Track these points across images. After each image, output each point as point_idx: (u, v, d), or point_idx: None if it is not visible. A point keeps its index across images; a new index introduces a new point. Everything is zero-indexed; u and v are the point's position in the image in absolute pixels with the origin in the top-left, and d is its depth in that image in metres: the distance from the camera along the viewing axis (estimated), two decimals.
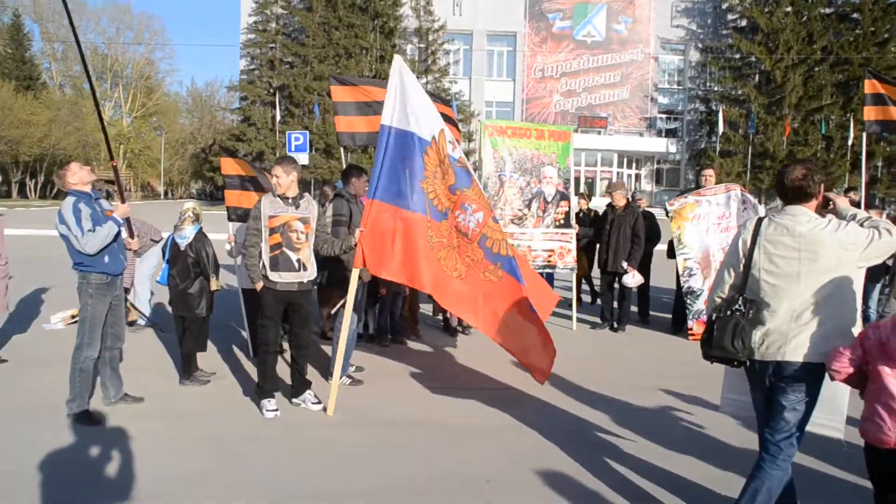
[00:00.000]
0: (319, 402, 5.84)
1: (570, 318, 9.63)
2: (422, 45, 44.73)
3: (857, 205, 4.11)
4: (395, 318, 8.40)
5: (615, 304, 9.66)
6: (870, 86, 8.96)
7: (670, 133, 48.04)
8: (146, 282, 8.58)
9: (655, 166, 47.63)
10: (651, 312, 10.22)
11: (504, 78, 47.13)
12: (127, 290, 7.81)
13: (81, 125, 56.76)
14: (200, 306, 6.49)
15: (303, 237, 5.70)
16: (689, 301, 8.89)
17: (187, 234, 6.49)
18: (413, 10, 44.26)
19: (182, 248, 6.47)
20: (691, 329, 8.90)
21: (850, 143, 39.38)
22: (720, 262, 8.60)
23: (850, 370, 3.29)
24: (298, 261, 5.68)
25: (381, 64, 42.67)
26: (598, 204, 10.97)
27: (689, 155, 46.74)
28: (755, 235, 3.65)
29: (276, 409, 5.65)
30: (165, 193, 73.34)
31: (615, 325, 9.55)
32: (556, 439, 5.31)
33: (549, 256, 9.34)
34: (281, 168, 5.67)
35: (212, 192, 64.28)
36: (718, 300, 3.80)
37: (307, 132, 21.72)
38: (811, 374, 3.47)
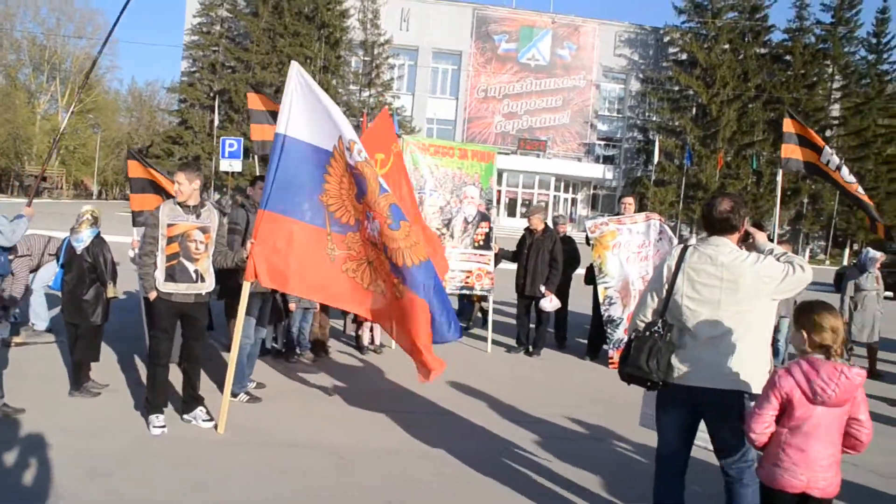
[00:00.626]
0: (211, 420, 5.64)
1: (485, 339, 9.61)
2: (367, 58, 44.64)
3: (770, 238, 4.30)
4: (304, 333, 8.23)
5: (532, 328, 9.65)
6: (788, 125, 9.24)
7: (608, 160, 48.93)
8: (41, 291, 8.24)
9: (592, 192, 48.40)
10: (567, 337, 10.27)
11: (447, 96, 47.43)
12: (13, 303, 7.56)
13: (13, 117, 54.93)
14: (95, 314, 6.23)
15: (202, 247, 5.51)
16: (608, 330, 8.94)
17: (84, 237, 6.23)
18: (360, 23, 44.24)
19: (78, 252, 6.21)
20: (612, 358, 8.94)
21: (778, 178, 40.52)
22: (639, 290, 8.77)
23: (773, 429, 3.29)
24: (196, 271, 5.50)
25: (325, 74, 42.43)
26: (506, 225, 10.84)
27: (626, 182, 47.68)
28: (679, 262, 3.82)
29: (164, 426, 5.44)
30: (99, 194, 71.35)
31: (531, 349, 9.52)
32: (455, 465, 5.24)
33: (467, 278, 9.29)
34: (184, 175, 5.49)
35: None
36: (640, 323, 3.92)
37: (242, 139, 21.21)
38: (733, 400, 3.63)
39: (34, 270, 8.22)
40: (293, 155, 5.50)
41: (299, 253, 5.50)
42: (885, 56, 46.91)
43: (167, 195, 7.13)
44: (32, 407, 5.65)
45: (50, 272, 8.07)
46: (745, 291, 3.65)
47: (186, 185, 5.47)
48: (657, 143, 43.86)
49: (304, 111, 5.52)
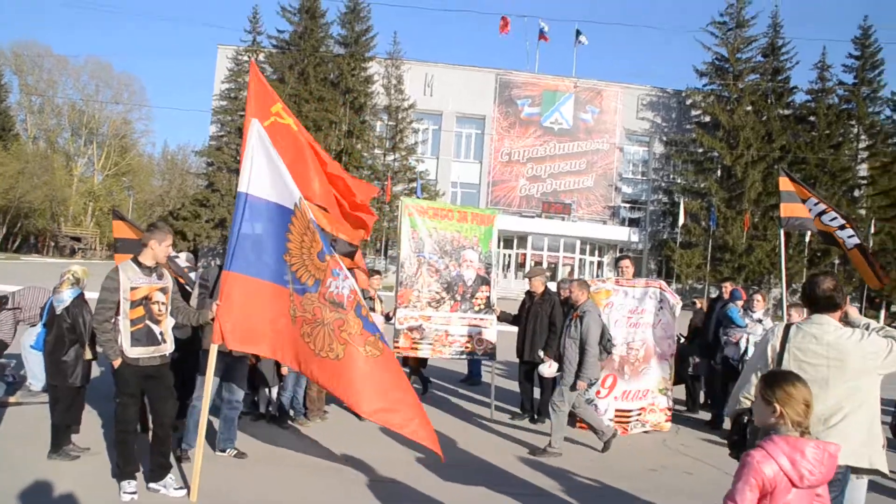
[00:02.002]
0: (182, 487, 5.49)
1: (488, 406, 9.40)
2: (391, 123, 45.30)
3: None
4: (297, 398, 8.10)
5: (535, 395, 9.43)
6: (783, 183, 9.02)
7: (633, 222, 48.74)
8: (34, 350, 8.23)
9: (617, 254, 48.03)
10: None
11: (471, 160, 47.76)
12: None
13: (51, 179, 56.43)
14: (74, 375, 6.14)
15: (163, 308, 5.46)
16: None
17: (64, 297, 6.23)
18: (384, 88, 45.07)
19: (58, 313, 6.20)
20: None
21: (807, 239, 40.23)
22: (621, 355, 8.60)
23: None
24: (161, 333, 5.44)
25: (350, 138, 43.15)
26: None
27: (651, 245, 47.42)
28: (784, 342, 3.89)
29: (135, 492, 5.30)
30: None
31: (535, 417, 9.28)
32: None
33: (467, 342, 9.15)
34: (170, 238, 5.48)
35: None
36: (745, 401, 3.94)
37: None
38: (840, 475, 3.64)
39: (33, 324, 8.22)
40: (255, 214, 5.46)
41: (263, 313, 5.41)
42: None
43: None
44: (8, 468, 5.62)
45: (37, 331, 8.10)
46: (852, 369, 3.73)
47: (168, 247, 5.46)
48: (682, 206, 43.76)
49: (265, 169, 5.46)
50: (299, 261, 5.44)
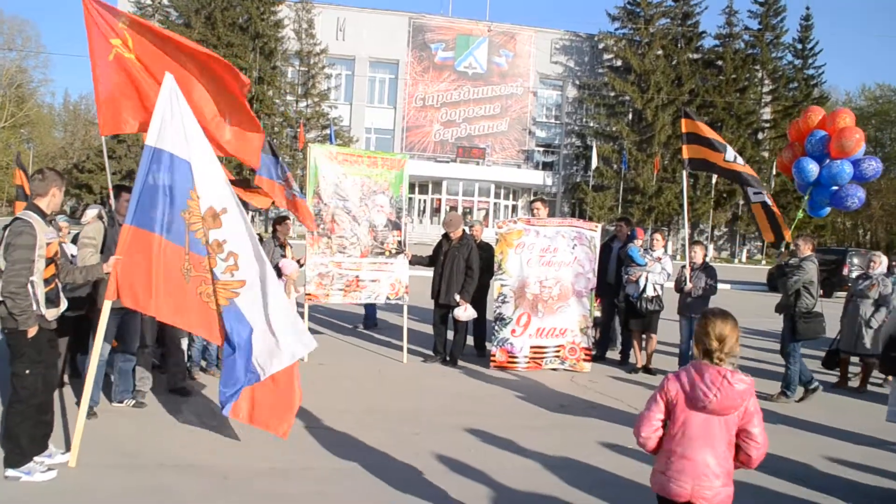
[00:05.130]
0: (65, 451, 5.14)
1: (401, 349, 9.47)
2: (302, 69, 44.30)
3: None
4: (210, 349, 8.00)
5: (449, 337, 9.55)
6: (686, 125, 9.22)
7: (547, 166, 49.40)
8: None
9: (532, 198, 48.61)
10: (488, 345, 10.16)
11: (385, 105, 47.37)
12: None
13: None
14: None
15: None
16: (496, 327, 8.99)
17: None
18: (295, 33, 43.92)
19: None
20: (494, 356, 8.97)
21: (713, 181, 41.63)
22: (535, 294, 8.77)
23: (661, 433, 3.26)
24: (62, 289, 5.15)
25: (261, 85, 41.98)
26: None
27: (565, 188, 48.21)
28: None
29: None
30: None
31: (447, 359, 9.41)
32: (349, 482, 5.08)
33: (376, 287, 9.16)
34: (63, 185, 5.02)
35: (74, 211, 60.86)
36: None
37: None
38: None
39: None
40: (162, 167, 5.28)
41: (160, 272, 5.27)
42: (809, 61, 48.63)
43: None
44: None
45: None
46: None
47: (60, 196, 5.02)
48: (595, 149, 44.53)
49: (175, 123, 5.31)
50: (198, 220, 5.34)
